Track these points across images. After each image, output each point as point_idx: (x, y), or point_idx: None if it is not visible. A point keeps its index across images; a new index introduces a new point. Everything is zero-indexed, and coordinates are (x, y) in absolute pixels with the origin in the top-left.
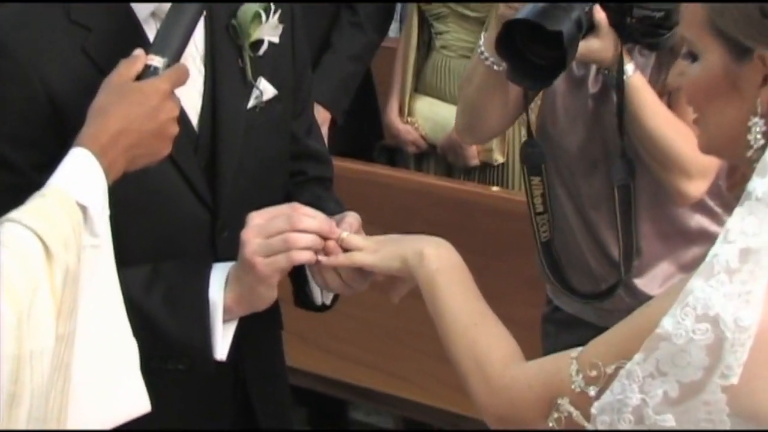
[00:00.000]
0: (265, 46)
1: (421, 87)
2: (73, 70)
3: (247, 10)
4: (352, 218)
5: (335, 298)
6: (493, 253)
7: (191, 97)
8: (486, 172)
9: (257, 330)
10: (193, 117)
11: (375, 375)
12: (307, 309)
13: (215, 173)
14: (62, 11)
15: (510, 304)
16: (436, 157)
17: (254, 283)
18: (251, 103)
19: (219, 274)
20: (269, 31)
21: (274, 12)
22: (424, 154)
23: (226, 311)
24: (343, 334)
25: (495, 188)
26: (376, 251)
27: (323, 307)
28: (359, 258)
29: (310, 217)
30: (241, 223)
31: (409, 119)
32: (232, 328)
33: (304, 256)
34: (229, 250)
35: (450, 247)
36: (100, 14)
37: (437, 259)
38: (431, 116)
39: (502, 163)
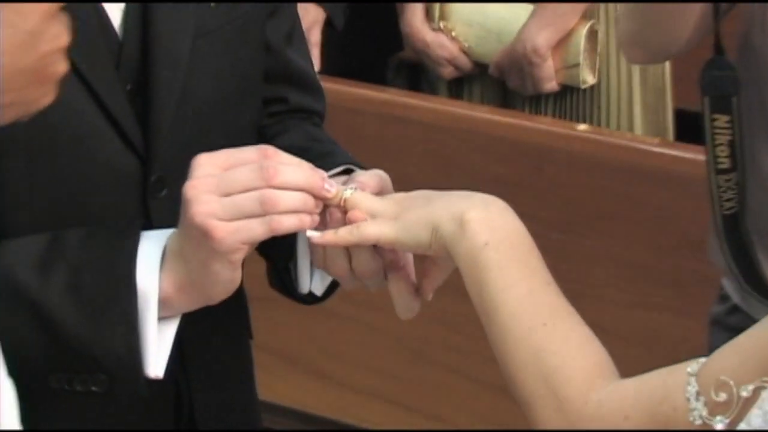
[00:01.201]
0: None
1: None
2: None
3: None
4: (367, 177)
5: (330, 287)
6: (577, 226)
7: None
8: (566, 101)
9: (212, 334)
10: (115, 16)
11: (388, 410)
12: (285, 294)
13: (148, 101)
14: None
15: (600, 301)
16: (485, 80)
17: (208, 260)
18: None
19: (151, 248)
20: None
21: None
22: (466, 78)
23: (163, 303)
24: (338, 346)
25: (582, 126)
26: (396, 218)
27: (310, 299)
28: (371, 231)
29: (291, 167)
30: (185, 177)
31: (442, 25)
32: (172, 329)
33: (288, 222)
34: (168, 215)
35: (506, 210)
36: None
37: (487, 228)
38: (477, 20)
39: (592, 86)
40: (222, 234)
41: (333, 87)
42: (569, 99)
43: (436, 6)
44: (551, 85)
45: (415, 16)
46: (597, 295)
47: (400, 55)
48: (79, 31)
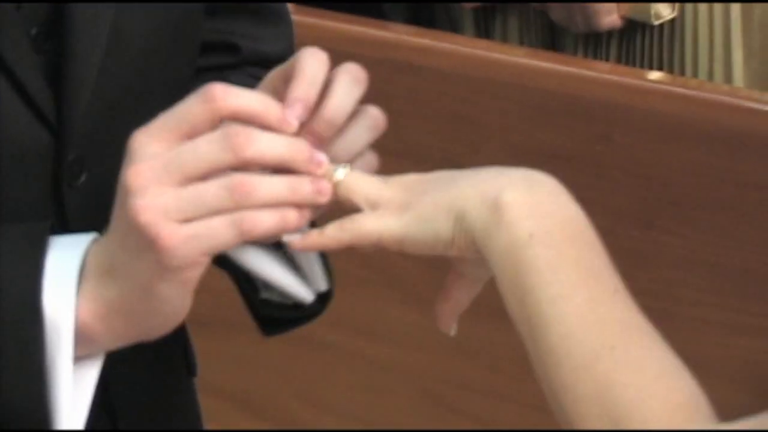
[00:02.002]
0: None
1: None
2: None
3: None
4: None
5: (328, 292)
6: (658, 217)
7: None
8: (635, 42)
9: (145, 377)
10: None
11: None
12: (265, 320)
13: (64, 57)
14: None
15: (690, 322)
16: (524, 12)
17: (151, 278)
18: None
19: (65, 261)
20: None
21: None
22: (499, 8)
23: (82, 338)
24: (319, 388)
25: (655, 74)
26: (405, 208)
27: (304, 315)
28: (370, 226)
29: (266, 135)
30: (113, 158)
31: None
32: (92, 372)
33: (267, 222)
34: (89, 210)
35: (558, 190)
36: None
37: (532, 215)
38: None
39: (671, 21)
40: (174, 241)
41: (309, 22)
42: (639, 39)
43: None
44: (611, 19)
45: None
46: (685, 315)
47: None
48: None
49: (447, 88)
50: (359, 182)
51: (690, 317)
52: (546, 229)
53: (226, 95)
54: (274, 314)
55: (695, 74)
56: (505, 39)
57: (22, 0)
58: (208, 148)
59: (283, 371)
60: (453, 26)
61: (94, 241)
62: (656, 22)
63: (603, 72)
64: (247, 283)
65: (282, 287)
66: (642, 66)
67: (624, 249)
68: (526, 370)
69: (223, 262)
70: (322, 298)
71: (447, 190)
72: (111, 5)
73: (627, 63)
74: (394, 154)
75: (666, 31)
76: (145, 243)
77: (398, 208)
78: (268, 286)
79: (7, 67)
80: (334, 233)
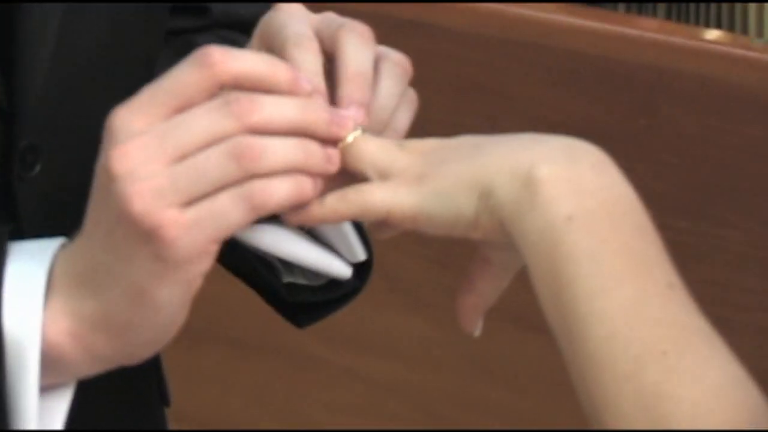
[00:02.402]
0: None
1: None
2: None
3: None
4: (360, 77)
5: (366, 262)
6: (716, 206)
7: None
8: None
9: (114, 407)
10: None
11: None
12: (293, 309)
13: (13, 41)
14: None
15: (752, 328)
16: None
17: (149, 281)
18: None
19: (28, 271)
20: None
21: None
22: None
23: (51, 360)
24: (296, 408)
25: (711, 33)
26: (421, 178)
27: (340, 295)
28: (378, 198)
29: (273, 97)
30: (72, 147)
31: None
32: (62, 403)
33: (281, 192)
34: (43, 208)
35: (604, 163)
36: None
37: (571, 192)
38: None
39: None
40: (177, 230)
41: None
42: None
43: None
44: None
45: None
46: (744, 321)
47: None
48: None
49: (460, 50)
50: (369, 147)
51: (749, 323)
52: (588, 210)
53: (226, 58)
54: (304, 299)
55: (760, 34)
56: None
57: None
58: (206, 118)
59: (263, 392)
60: None
61: (62, 247)
62: None
63: (648, 30)
64: (265, 268)
65: (312, 264)
66: (696, 23)
67: (671, 244)
68: (551, 388)
69: (225, 253)
70: (359, 272)
71: (471, 160)
72: None
73: (678, 20)
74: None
75: None
76: (140, 236)
77: (413, 179)
78: (290, 267)
79: None
80: (336, 204)
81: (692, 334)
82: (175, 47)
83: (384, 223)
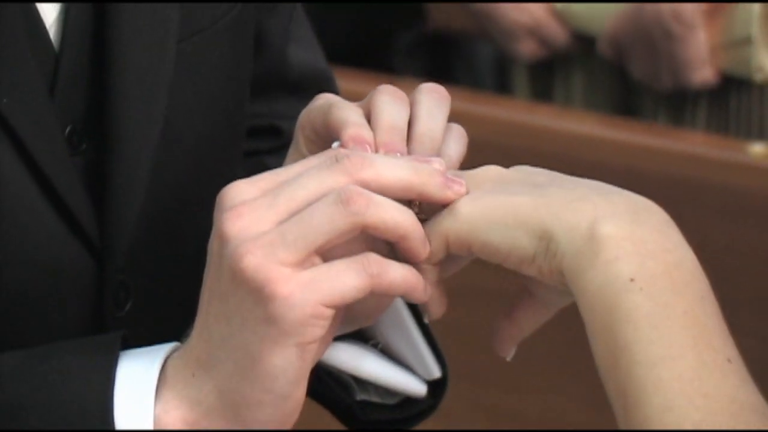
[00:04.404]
0: None
1: None
2: None
3: None
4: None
5: (441, 380)
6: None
7: None
8: (728, 103)
9: None
10: (49, 16)
11: None
12: (365, 427)
13: (107, 162)
14: None
15: None
16: (590, 64)
17: (263, 344)
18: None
19: (140, 368)
20: None
21: None
22: (559, 61)
23: None
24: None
25: (758, 147)
26: (477, 204)
27: (413, 413)
28: (440, 221)
29: (383, 157)
30: (161, 282)
31: None
32: None
33: (395, 273)
34: (133, 341)
35: (668, 225)
36: None
37: (636, 253)
38: None
39: None
40: (289, 286)
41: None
42: (735, 100)
43: None
44: (703, 73)
45: None
46: None
47: (416, 29)
48: None
49: (491, 162)
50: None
51: None
52: (650, 273)
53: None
54: (378, 417)
55: None
56: (567, 100)
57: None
58: (316, 176)
59: None
60: (502, 83)
61: (175, 348)
62: (758, 78)
63: (691, 143)
64: (339, 386)
65: (388, 383)
66: (737, 135)
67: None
68: (556, 390)
69: None
70: (435, 390)
71: (531, 198)
72: (163, 94)
73: (721, 132)
74: None
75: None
76: (252, 295)
77: (470, 204)
78: (364, 384)
79: (41, 173)
80: (425, 242)
81: (749, 413)
82: (247, 168)
83: (445, 257)
